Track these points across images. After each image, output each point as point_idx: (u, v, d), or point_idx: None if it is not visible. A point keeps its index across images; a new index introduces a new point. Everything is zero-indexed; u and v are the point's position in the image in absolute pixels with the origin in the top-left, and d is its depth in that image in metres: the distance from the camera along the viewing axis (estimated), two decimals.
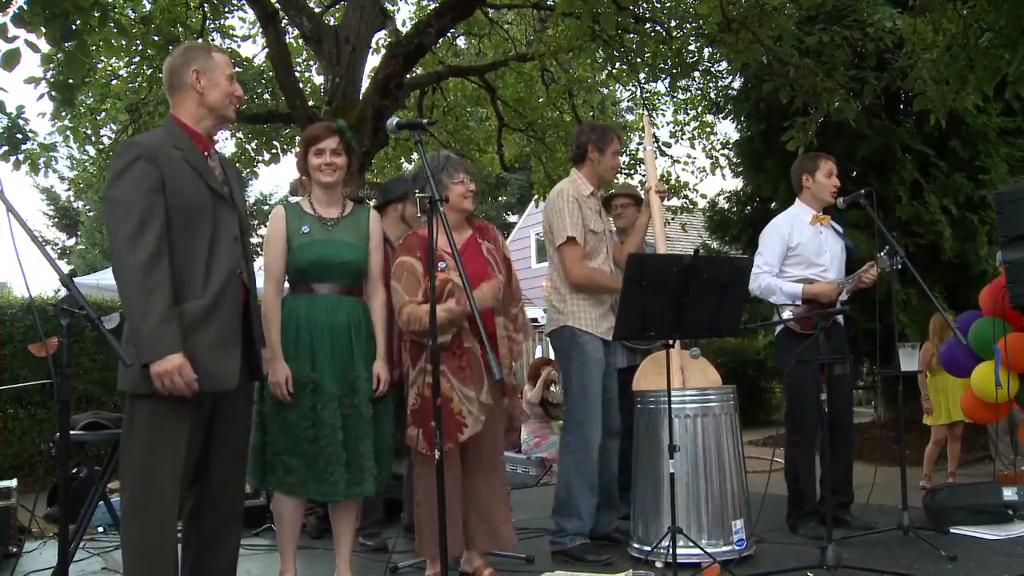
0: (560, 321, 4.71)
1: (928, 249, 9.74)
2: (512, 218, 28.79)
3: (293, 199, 6.26)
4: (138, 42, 9.14)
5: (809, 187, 5.27)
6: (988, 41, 6.56)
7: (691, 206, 13.97)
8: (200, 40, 10.18)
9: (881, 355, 7.76)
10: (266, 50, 9.85)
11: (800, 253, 5.14)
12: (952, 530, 4.79)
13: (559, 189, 4.81)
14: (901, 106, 10.89)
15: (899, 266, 4.89)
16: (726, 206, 12.53)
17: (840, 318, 5.13)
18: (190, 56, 3.22)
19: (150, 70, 10.03)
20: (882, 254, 4.97)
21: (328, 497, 3.81)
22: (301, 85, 9.92)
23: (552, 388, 8.55)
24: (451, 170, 4.07)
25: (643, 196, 5.21)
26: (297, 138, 11.63)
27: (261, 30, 9.30)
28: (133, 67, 10.46)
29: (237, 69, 11.04)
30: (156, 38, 8.66)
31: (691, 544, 4.15)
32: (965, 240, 9.96)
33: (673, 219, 13.86)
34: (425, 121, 3.92)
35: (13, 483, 5.32)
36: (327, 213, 3.93)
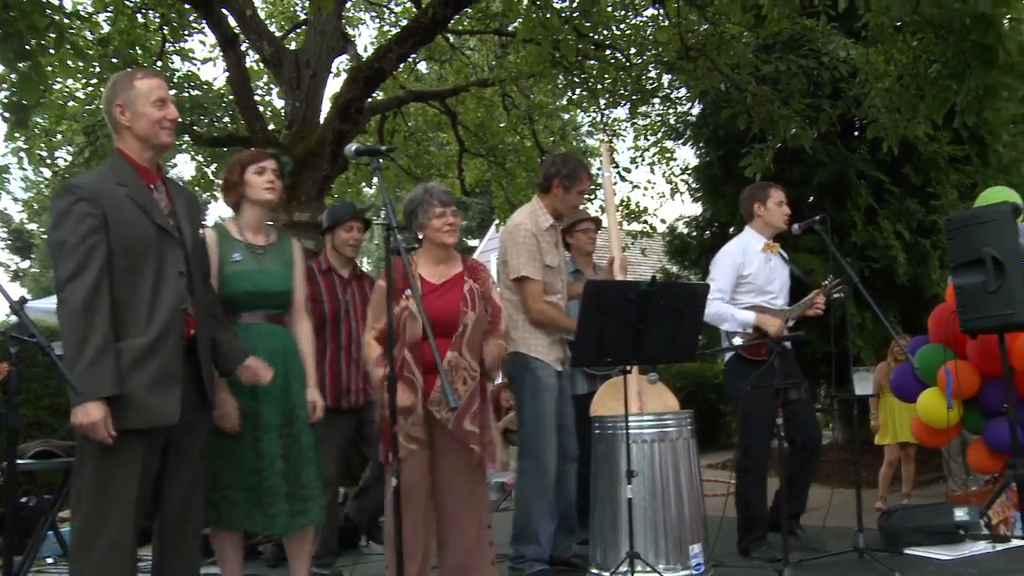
0: (510, 347, 4.67)
1: (882, 273, 9.89)
2: (472, 242, 28.80)
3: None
4: (96, 64, 9.07)
5: (761, 215, 5.31)
6: (936, 72, 6.68)
7: (651, 231, 14.06)
8: (159, 63, 10.12)
9: (837, 378, 7.84)
10: (227, 73, 9.79)
11: (751, 281, 5.18)
12: (906, 551, 4.83)
13: (517, 222, 4.77)
14: (855, 133, 11.06)
15: (841, 295, 4.97)
16: (685, 231, 12.63)
17: (789, 344, 5.18)
18: (113, 91, 3.22)
19: None
20: (826, 283, 5.04)
21: (270, 530, 3.76)
22: (261, 109, 9.89)
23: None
24: (425, 205, 3.95)
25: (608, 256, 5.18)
26: None
27: (221, 53, 9.24)
28: (91, 89, 10.36)
29: (195, 92, 11.04)
30: (114, 60, 8.59)
31: (649, 569, 4.13)
32: (918, 265, 10.13)
33: (633, 244, 13.94)
34: (384, 148, 3.89)
35: None
36: (255, 240, 3.86)
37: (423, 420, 3.83)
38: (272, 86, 12.17)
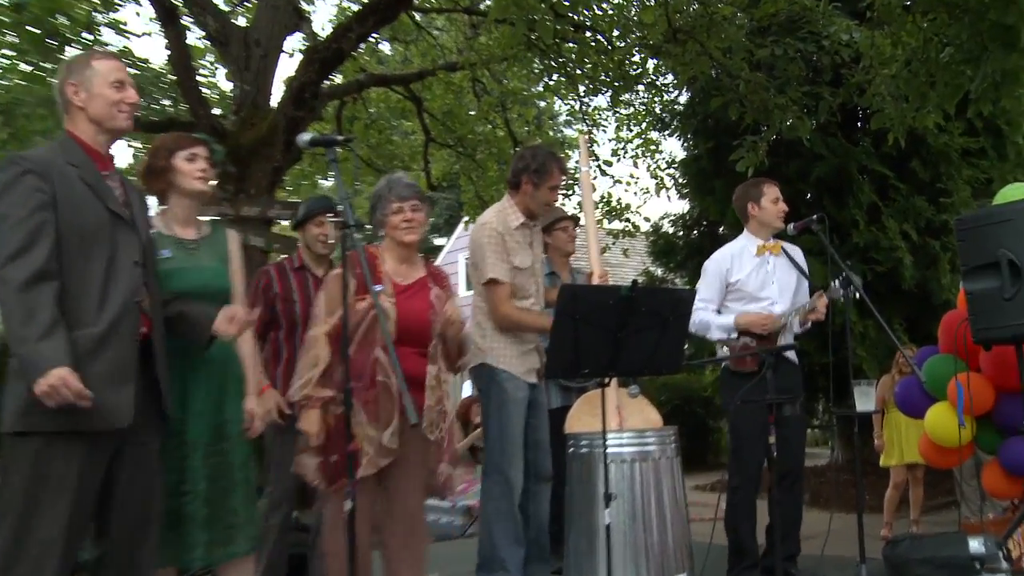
0: (479, 358, 4.68)
1: (887, 277, 9.90)
2: (439, 241, 28.73)
3: None
4: (10, 33, 8.86)
5: (756, 215, 5.33)
6: (949, 56, 6.68)
7: (633, 230, 14.06)
8: (88, 36, 9.90)
9: (837, 392, 7.82)
10: (168, 51, 9.63)
11: (741, 288, 5.20)
12: None
13: (483, 221, 4.80)
14: (858, 124, 11.08)
15: (854, 295, 4.91)
16: (671, 230, 12.64)
17: (793, 354, 5.15)
18: (68, 70, 3.24)
19: (30, 67, 9.68)
20: (834, 283, 5.00)
21: (186, 564, 3.60)
22: (206, 91, 9.78)
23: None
24: (383, 201, 4.01)
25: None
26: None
27: (160, 27, 9.08)
28: (7, 63, 10.11)
29: (130, 70, 10.84)
30: (34, 30, 8.41)
31: None
32: (926, 268, 10.14)
33: (614, 244, 13.91)
34: (341, 138, 3.84)
35: None
36: (185, 233, 3.76)
37: (399, 432, 3.80)
38: (218, 66, 12.04)
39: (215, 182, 3.93)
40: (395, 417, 3.79)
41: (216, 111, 9.31)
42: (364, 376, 3.79)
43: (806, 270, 5.42)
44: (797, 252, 5.42)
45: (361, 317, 3.76)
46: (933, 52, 6.96)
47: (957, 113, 8.10)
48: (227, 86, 11.05)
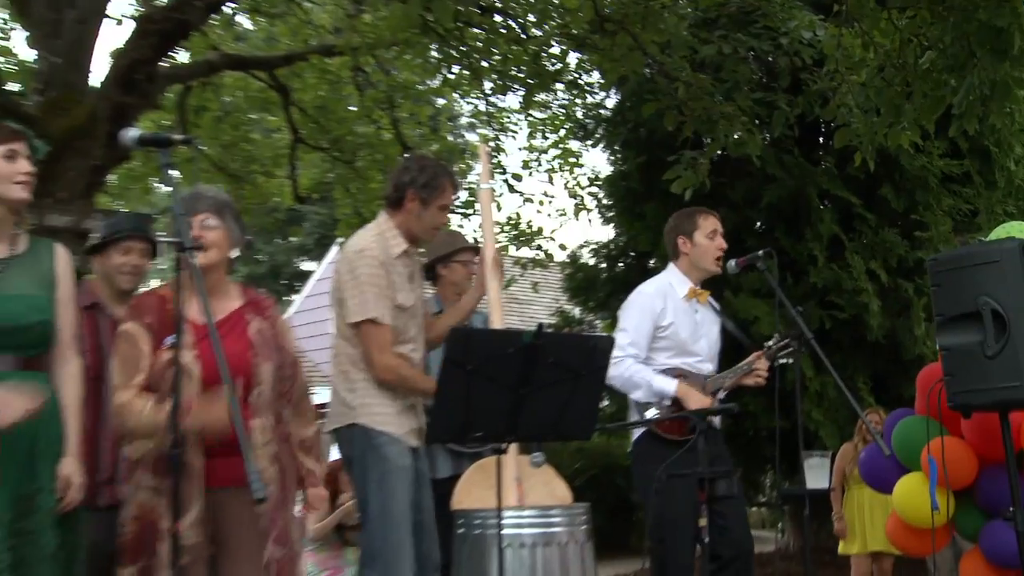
0: (348, 417, 4.59)
1: (850, 325, 10.08)
2: (308, 265, 28.53)
3: None
4: None
5: (688, 252, 5.38)
6: (930, 62, 6.81)
7: (546, 259, 14.12)
8: None
9: (787, 464, 7.89)
10: None
11: (671, 336, 5.23)
12: None
13: (360, 246, 4.71)
14: (820, 140, 11.31)
15: (790, 360, 4.99)
16: (591, 261, 12.76)
17: (716, 420, 5.18)
18: None
19: None
20: (769, 343, 5.06)
21: None
22: None
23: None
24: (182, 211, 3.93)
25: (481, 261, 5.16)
26: None
27: None
28: None
29: None
30: None
31: None
32: (897, 315, 10.34)
33: (522, 276, 13.94)
34: (179, 137, 3.75)
35: None
36: None
37: (202, 521, 3.72)
38: (15, 27, 11.69)
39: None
40: (194, 503, 3.71)
41: (12, 87, 9.05)
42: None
43: (727, 326, 5.48)
44: (715, 304, 5.48)
45: (158, 376, 3.71)
46: (911, 57, 7.09)
47: (937, 131, 8.29)
48: (28, 54, 10.72)
